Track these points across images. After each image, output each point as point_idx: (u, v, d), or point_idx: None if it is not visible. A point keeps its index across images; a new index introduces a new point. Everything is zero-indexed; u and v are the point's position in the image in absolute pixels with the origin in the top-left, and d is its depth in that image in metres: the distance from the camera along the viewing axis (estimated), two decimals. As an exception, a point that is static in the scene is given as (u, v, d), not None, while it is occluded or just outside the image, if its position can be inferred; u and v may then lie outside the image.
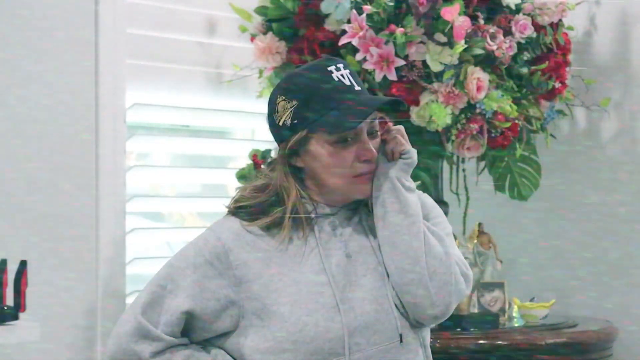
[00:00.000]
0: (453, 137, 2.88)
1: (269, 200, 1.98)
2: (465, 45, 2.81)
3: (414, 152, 1.99)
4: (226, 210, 2.03)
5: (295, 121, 1.94)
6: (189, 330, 1.97)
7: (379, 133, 1.99)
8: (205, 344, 1.99)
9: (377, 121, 1.98)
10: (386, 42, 2.79)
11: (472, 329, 2.95)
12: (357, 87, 1.95)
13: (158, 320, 1.94)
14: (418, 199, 2.00)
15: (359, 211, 2.02)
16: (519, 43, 2.94)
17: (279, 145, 1.99)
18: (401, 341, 1.94)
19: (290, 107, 1.95)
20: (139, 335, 1.94)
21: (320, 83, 1.93)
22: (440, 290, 1.94)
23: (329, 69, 1.95)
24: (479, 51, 2.85)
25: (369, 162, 1.96)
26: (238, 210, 1.99)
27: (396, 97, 1.99)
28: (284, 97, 1.96)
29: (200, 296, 1.93)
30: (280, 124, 1.96)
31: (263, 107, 2.01)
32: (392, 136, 1.99)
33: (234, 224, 1.98)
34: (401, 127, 2.01)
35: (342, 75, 1.95)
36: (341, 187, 1.96)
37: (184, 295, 1.94)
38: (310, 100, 1.93)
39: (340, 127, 1.92)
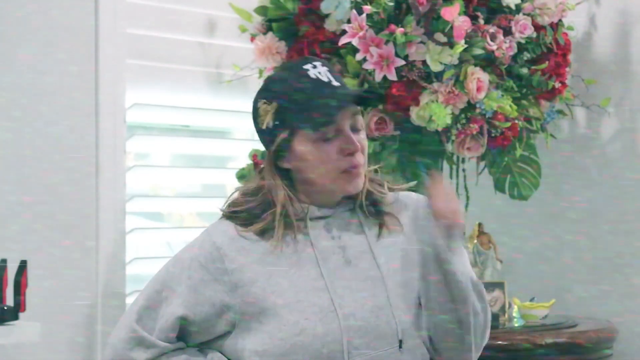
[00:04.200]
0: (453, 137, 2.88)
1: (261, 205, 1.98)
2: (465, 45, 2.81)
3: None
4: (220, 212, 2.03)
5: (277, 122, 1.94)
6: (185, 334, 1.96)
7: (362, 130, 1.98)
8: (202, 347, 1.99)
9: (360, 118, 1.98)
10: (386, 42, 2.79)
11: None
12: (335, 83, 1.95)
13: (153, 326, 1.94)
14: (466, 258, 1.97)
15: (356, 212, 2.02)
16: (519, 43, 2.94)
17: (266, 149, 2.00)
18: (400, 347, 1.94)
19: (272, 110, 1.95)
20: (134, 342, 1.94)
21: (297, 82, 1.94)
22: (476, 344, 1.96)
23: (304, 67, 1.95)
24: (479, 51, 2.85)
25: (354, 156, 1.95)
26: (232, 214, 2.00)
27: (376, 90, 2.00)
28: (264, 101, 1.97)
29: (195, 301, 1.93)
30: (264, 127, 1.97)
31: (263, 107, 2.01)
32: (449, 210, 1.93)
33: (229, 228, 1.98)
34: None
35: (319, 72, 1.95)
36: (330, 184, 1.96)
37: (179, 300, 1.93)
38: (289, 100, 1.93)
39: (318, 122, 1.91)
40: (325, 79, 1.95)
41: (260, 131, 1.99)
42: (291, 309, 1.91)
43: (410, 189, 2.10)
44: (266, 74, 3.05)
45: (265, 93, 1.98)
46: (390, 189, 2.06)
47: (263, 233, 1.96)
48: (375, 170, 2.08)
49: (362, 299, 1.94)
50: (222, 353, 1.97)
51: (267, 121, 1.96)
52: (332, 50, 2.91)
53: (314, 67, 1.96)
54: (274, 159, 1.97)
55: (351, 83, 2.82)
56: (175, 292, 1.95)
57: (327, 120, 1.91)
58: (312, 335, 1.89)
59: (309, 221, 1.98)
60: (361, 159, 1.96)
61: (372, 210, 2.02)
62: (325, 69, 1.96)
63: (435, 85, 2.84)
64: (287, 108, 1.94)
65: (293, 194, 1.97)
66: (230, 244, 1.96)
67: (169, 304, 1.94)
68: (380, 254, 1.99)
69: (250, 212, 1.98)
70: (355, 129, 1.96)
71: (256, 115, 1.99)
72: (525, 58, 2.99)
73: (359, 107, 1.97)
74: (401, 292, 1.98)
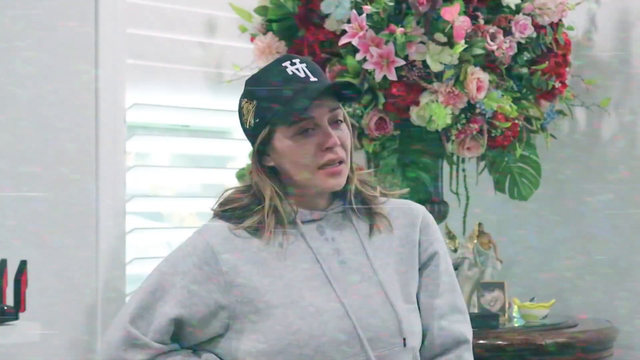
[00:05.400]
0: (453, 137, 2.88)
1: (252, 202, 1.98)
2: (465, 45, 2.81)
3: None
4: (212, 212, 2.04)
5: (257, 120, 1.96)
6: (180, 335, 1.96)
7: (343, 124, 1.98)
8: (196, 349, 1.98)
9: (340, 111, 1.97)
10: (386, 42, 2.79)
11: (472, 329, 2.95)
12: (312, 78, 1.95)
13: (147, 328, 1.93)
14: None
15: (348, 214, 2.02)
16: (519, 43, 2.94)
17: (252, 147, 2.01)
18: (405, 345, 1.94)
19: (252, 108, 1.97)
20: (128, 344, 1.93)
21: (274, 79, 1.94)
22: None
23: (283, 64, 1.96)
24: (479, 51, 2.85)
25: (333, 151, 1.95)
26: (224, 213, 2.00)
27: (350, 81, 2.02)
28: (246, 99, 1.98)
29: (189, 302, 1.93)
30: (248, 126, 1.98)
31: (263, 107, 2.02)
32: None
33: (222, 227, 1.98)
34: None
35: (296, 69, 1.95)
36: (310, 180, 1.95)
37: (172, 301, 1.93)
38: (267, 96, 1.94)
39: (292, 116, 1.91)
40: (302, 75, 1.95)
41: (245, 130, 2.01)
42: (286, 309, 1.90)
43: (404, 196, 2.10)
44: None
45: (247, 92, 2.00)
46: (383, 194, 2.06)
47: (255, 230, 1.96)
48: (369, 174, 2.07)
49: (359, 299, 1.94)
50: (216, 355, 1.97)
51: (249, 120, 1.98)
52: (332, 50, 2.91)
53: (293, 64, 1.96)
54: (258, 157, 1.98)
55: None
56: (169, 293, 1.94)
57: (301, 114, 1.92)
58: (307, 336, 1.89)
59: (301, 224, 1.98)
60: (342, 153, 1.95)
61: (362, 210, 2.02)
62: (303, 65, 1.96)
63: (435, 85, 2.84)
64: (266, 105, 1.95)
65: (282, 192, 1.98)
66: (223, 244, 1.96)
67: (162, 305, 1.94)
68: (374, 254, 1.99)
69: (242, 209, 1.98)
70: (334, 122, 1.96)
71: (241, 115, 2.01)
72: (525, 58, 2.99)
73: (336, 101, 1.97)
74: (400, 292, 1.98)
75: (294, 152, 1.94)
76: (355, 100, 2.14)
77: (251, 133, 1.98)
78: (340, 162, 1.95)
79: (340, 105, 1.98)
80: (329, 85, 1.94)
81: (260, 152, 1.98)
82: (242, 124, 2.01)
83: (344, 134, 1.97)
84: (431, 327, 2.02)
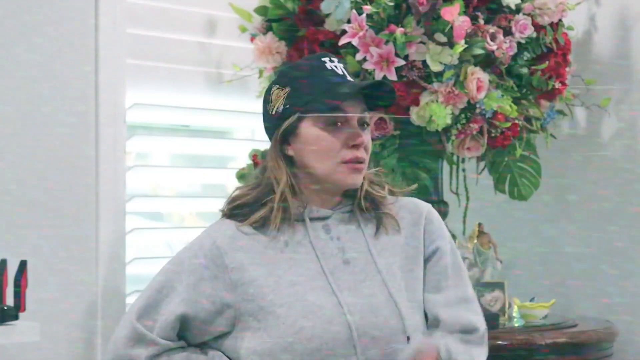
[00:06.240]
0: (453, 137, 2.88)
1: (260, 198, 1.99)
2: (465, 45, 2.81)
3: None
4: (220, 213, 2.05)
5: (287, 106, 1.97)
6: (186, 333, 1.97)
7: (368, 128, 1.99)
8: (203, 346, 1.99)
9: (368, 114, 1.99)
10: (386, 42, 2.79)
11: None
12: (349, 77, 1.98)
13: (154, 324, 1.95)
14: None
15: (354, 214, 2.02)
16: (519, 43, 2.94)
17: (270, 138, 2.01)
18: (409, 343, 1.94)
19: (284, 94, 1.98)
20: (135, 340, 1.95)
21: (313, 70, 1.97)
22: None
23: (322, 59, 1.99)
24: (479, 51, 2.85)
25: (358, 149, 1.96)
26: (232, 211, 2.01)
27: (387, 81, 2.05)
28: (278, 86, 2.00)
29: (195, 299, 1.94)
30: (273, 112, 1.99)
31: (263, 107, 2.02)
32: None
33: (229, 227, 1.99)
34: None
35: (335, 66, 1.98)
36: (329, 174, 1.96)
37: (179, 299, 1.94)
38: (302, 85, 1.96)
39: (327, 106, 1.93)
40: (340, 72, 1.98)
41: (268, 118, 2.01)
42: (289, 308, 1.91)
43: (411, 194, 2.10)
44: (266, 74, 3.05)
45: (280, 78, 2.02)
46: (391, 193, 2.07)
47: (262, 226, 1.97)
48: (377, 174, 2.08)
49: (362, 298, 1.95)
50: (222, 353, 1.98)
51: (278, 106, 1.98)
52: (332, 50, 2.91)
53: (332, 61, 1.99)
54: (280, 144, 1.99)
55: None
56: (176, 291, 1.95)
57: (337, 105, 1.93)
58: (311, 334, 1.90)
59: (308, 222, 1.98)
60: (364, 154, 1.98)
61: (370, 210, 2.03)
62: (341, 65, 2.00)
63: (435, 85, 2.84)
64: (299, 92, 1.96)
65: (295, 183, 1.98)
66: (230, 243, 1.96)
67: (169, 302, 1.95)
68: (378, 254, 1.99)
69: (249, 205, 1.99)
70: (362, 124, 1.98)
71: (267, 101, 2.01)
72: (525, 58, 2.99)
73: (366, 106, 1.99)
74: (404, 290, 1.99)
75: (321, 142, 1.95)
76: (387, 107, 2.16)
77: (277, 119, 1.98)
78: (361, 162, 1.97)
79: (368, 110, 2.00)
80: (368, 84, 1.96)
81: (282, 140, 1.98)
82: (267, 110, 2.01)
83: (368, 137, 1.99)
84: (440, 317, 2.01)
